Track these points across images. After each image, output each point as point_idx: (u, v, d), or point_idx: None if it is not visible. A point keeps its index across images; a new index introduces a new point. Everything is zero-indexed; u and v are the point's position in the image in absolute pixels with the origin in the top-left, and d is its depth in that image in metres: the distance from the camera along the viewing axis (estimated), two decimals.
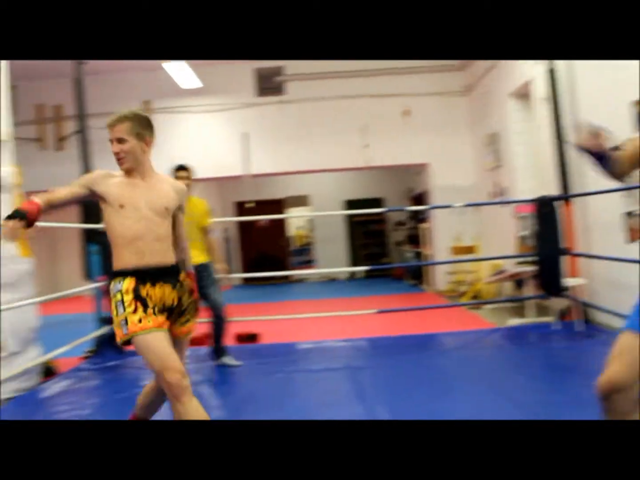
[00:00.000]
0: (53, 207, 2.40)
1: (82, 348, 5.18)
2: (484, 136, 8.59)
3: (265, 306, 8.74)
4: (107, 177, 2.54)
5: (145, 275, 2.39)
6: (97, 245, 5.38)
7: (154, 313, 2.35)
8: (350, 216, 12.91)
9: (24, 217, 2.22)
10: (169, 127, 9.41)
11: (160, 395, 2.54)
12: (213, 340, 4.73)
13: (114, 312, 2.39)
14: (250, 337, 5.58)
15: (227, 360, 4.72)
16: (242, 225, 13.01)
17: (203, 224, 4.72)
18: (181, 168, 4.66)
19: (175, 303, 2.46)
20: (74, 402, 3.98)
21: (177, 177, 4.58)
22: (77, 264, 7.11)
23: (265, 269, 11.11)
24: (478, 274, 8.27)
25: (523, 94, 7.12)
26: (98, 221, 5.45)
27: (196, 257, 4.60)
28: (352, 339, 5.41)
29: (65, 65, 5.82)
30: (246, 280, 12.74)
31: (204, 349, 4.98)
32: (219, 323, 4.66)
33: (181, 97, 9.33)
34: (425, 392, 3.63)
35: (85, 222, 5.42)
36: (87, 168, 5.52)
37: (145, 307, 2.34)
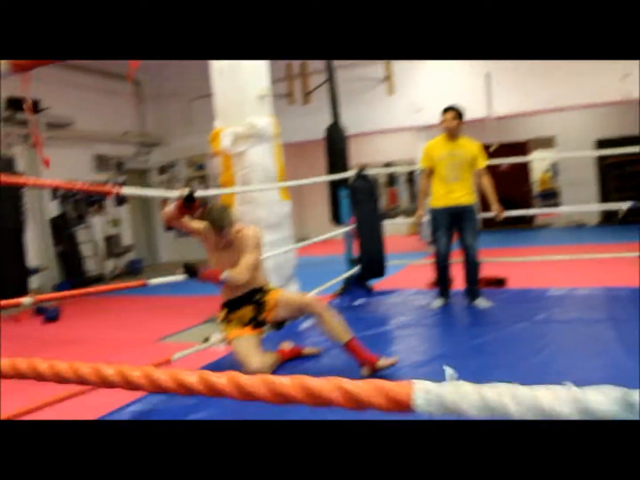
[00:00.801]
0: (184, 225, 3.43)
1: (333, 287, 5.50)
2: None
3: (508, 251, 8.43)
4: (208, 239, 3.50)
5: (231, 305, 3.51)
6: (347, 190, 5.60)
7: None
8: (602, 158, 11.74)
9: (190, 203, 3.18)
10: (409, 73, 9.39)
11: (318, 320, 3.30)
12: (467, 281, 4.77)
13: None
14: (498, 282, 5.43)
15: (480, 302, 4.72)
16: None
17: (476, 166, 4.69)
18: (447, 109, 4.65)
19: (255, 313, 3.48)
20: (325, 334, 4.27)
21: (443, 120, 4.59)
22: (322, 209, 7.53)
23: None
24: None
25: None
26: (345, 170, 5.68)
27: (461, 197, 4.61)
28: (610, 287, 4.97)
29: None
30: (486, 224, 12.40)
31: (452, 291, 4.99)
32: (472, 266, 4.68)
33: None
34: None
35: (332, 172, 5.66)
36: (335, 116, 5.73)
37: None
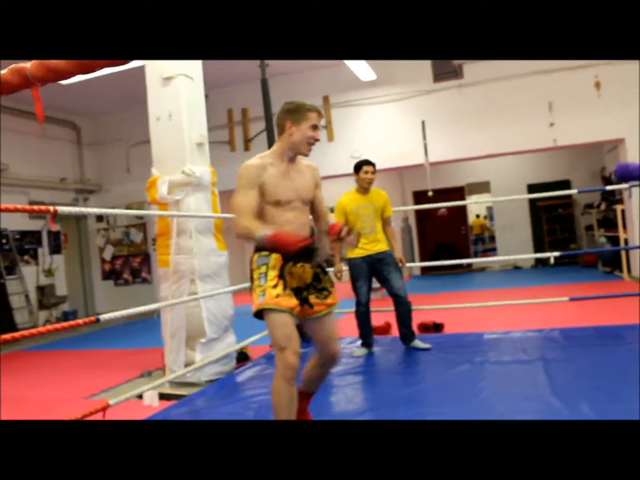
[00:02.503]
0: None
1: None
2: None
3: (446, 296, 8.57)
4: (263, 169, 2.63)
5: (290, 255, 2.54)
6: None
7: (290, 294, 2.55)
8: (534, 201, 12.21)
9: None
10: (347, 121, 9.56)
11: (321, 369, 2.77)
12: (401, 325, 4.80)
13: (256, 282, 2.58)
14: (435, 327, 5.47)
15: (418, 343, 4.77)
16: (421, 215, 12.87)
17: (385, 214, 4.80)
18: (368, 163, 4.79)
19: (315, 282, 2.67)
20: (265, 386, 4.18)
21: (365, 174, 4.74)
22: None
23: (444, 259, 10.90)
24: None
25: None
26: None
27: (378, 245, 4.71)
28: (542, 329, 5.09)
29: (250, 69, 6.07)
30: (425, 270, 12.63)
31: (389, 337, 4.98)
32: (404, 308, 4.72)
33: (358, 89, 9.41)
34: (633, 390, 3.23)
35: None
36: None
37: (285, 286, 2.54)
